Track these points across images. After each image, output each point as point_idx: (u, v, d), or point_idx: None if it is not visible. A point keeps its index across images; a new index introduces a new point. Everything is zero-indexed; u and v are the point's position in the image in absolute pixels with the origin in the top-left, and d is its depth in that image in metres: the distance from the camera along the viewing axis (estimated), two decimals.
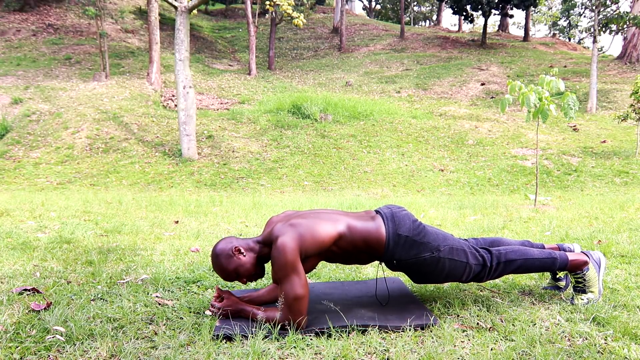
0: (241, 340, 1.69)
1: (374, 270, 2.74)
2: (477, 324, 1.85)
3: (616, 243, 3.15)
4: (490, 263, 1.97)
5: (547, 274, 2.44)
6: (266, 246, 1.90)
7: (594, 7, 15.29)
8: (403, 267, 1.94)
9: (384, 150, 10.86)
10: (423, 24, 43.21)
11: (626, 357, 1.54)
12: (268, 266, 2.72)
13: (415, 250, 1.89)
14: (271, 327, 1.74)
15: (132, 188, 8.56)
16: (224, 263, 1.84)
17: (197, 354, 1.57)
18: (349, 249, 1.87)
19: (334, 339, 1.71)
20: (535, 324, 1.83)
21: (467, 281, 2.00)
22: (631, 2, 17.73)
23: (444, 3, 26.77)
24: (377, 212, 1.99)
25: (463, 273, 1.95)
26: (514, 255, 1.99)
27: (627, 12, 15.51)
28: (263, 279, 2.53)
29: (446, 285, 2.39)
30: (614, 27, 15.13)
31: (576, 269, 2.05)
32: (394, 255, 1.90)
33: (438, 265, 1.91)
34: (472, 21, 22.87)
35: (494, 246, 2.16)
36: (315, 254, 1.82)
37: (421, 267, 1.92)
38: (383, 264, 2.00)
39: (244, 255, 1.86)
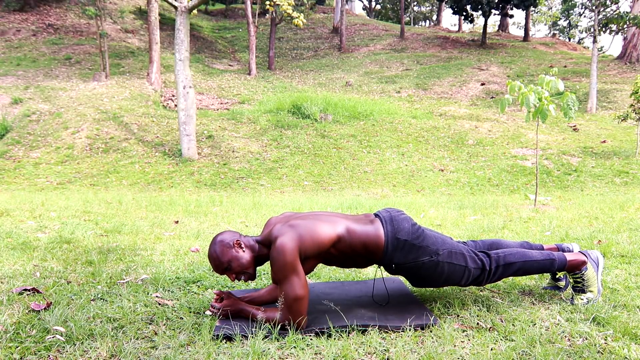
0: (241, 340, 1.69)
1: (374, 270, 2.74)
2: (477, 324, 1.85)
3: (616, 243, 3.15)
4: (489, 267, 1.97)
5: (547, 274, 2.45)
6: (265, 247, 1.90)
7: (594, 7, 15.29)
8: (402, 270, 1.94)
9: (384, 150, 10.86)
10: (423, 24, 43.20)
11: (626, 357, 1.54)
12: (262, 268, 2.72)
13: (414, 254, 1.89)
14: (271, 327, 1.75)
15: (132, 188, 8.56)
16: (220, 251, 1.82)
17: (197, 354, 1.57)
18: (348, 252, 1.87)
19: (334, 339, 1.71)
20: (535, 324, 1.83)
21: (467, 285, 2.01)
22: (631, 2, 17.73)
23: (444, 3, 26.77)
24: (376, 215, 1.99)
25: (462, 277, 1.95)
26: (513, 258, 1.99)
27: (627, 12, 15.50)
28: (263, 279, 2.53)
29: None
30: (614, 27, 15.13)
31: (575, 269, 2.05)
32: (393, 259, 1.90)
33: (437, 269, 1.91)
34: (472, 21, 22.87)
35: (493, 248, 2.16)
36: (314, 255, 1.82)
37: (420, 270, 1.92)
38: (382, 267, 2.01)
39: (243, 251, 1.85)
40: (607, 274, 2.47)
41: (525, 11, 24.03)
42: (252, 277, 1.90)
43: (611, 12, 16.13)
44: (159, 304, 2.05)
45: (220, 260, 1.82)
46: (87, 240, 3.39)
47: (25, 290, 2.16)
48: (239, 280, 1.88)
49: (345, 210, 5.37)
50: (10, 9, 18.55)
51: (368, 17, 34.41)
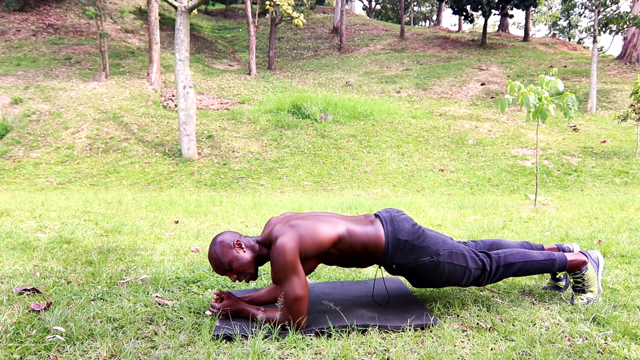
0: (241, 340, 1.69)
1: (374, 270, 2.74)
2: (477, 324, 1.85)
3: (616, 243, 3.15)
4: (489, 267, 1.97)
5: (547, 274, 2.45)
6: (265, 247, 1.90)
7: (594, 7, 15.29)
8: (402, 271, 1.94)
9: (384, 150, 10.86)
10: (423, 24, 43.20)
11: (626, 357, 1.54)
12: (262, 268, 2.72)
13: (414, 254, 1.89)
14: (271, 327, 1.74)
15: (132, 188, 8.56)
16: (221, 252, 1.81)
17: (197, 354, 1.57)
18: (348, 252, 1.87)
19: (334, 339, 1.71)
20: (535, 324, 1.83)
21: (467, 285, 2.01)
22: (631, 2, 17.73)
23: (444, 3, 26.77)
24: (376, 216, 1.99)
25: (462, 277, 1.95)
26: (513, 258, 1.99)
27: (627, 12, 15.50)
28: (263, 279, 2.53)
29: None
30: (614, 27, 15.13)
31: (575, 269, 2.05)
32: (393, 259, 1.89)
33: (437, 270, 1.91)
34: (472, 21, 22.87)
35: (494, 249, 2.16)
36: (314, 255, 1.82)
37: (420, 271, 1.92)
38: (382, 267, 2.01)
39: (244, 251, 1.85)
40: (607, 274, 2.47)
41: (525, 11, 24.03)
42: (254, 277, 1.90)
43: (611, 12, 16.13)
44: (159, 304, 2.05)
45: (221, 260, 1.82)
46: (87, 240, 3.39)
47: (25, 290, 2.16)
48: (240, 281, 1.88)
49: (345, 210, 5.37)
50: (10, 9, 18.55)
51: (368, 17, 34.41)
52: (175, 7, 9.42)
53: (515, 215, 4.83)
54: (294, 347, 1.64)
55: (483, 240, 2.24)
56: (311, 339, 1.70)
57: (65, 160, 9.79)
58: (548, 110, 4.95)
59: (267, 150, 10.74)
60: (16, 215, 4.49)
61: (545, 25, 38.43)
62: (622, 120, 10.65)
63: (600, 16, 15.70)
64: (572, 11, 23.95)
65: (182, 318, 1.90)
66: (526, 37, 24.74)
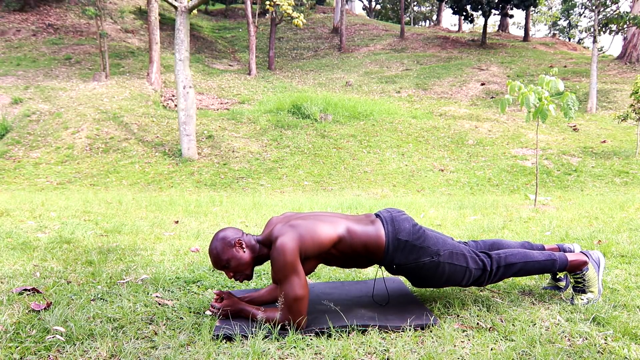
0: (241, 340, 1.69)
1: (374, 270, 2.74)
2: (477, 324, 1.85)
3: (616, 243, 3.15)
4: (490, 267, 1.97)
5: (548, 274, 2.45)
6: (265, 246, 1.90)
7: (594, 7, 15.29)
8: (402, 271, 1.94)
9: (384, 150, 10.86)
10: (423, 24, 43.20)
11: (626, 357, 1.54)
12: (262, 268, 2.72)
13: (415, 254, 1.89)
14: (271, 327, 1.74)
15: (132, 188, 8.56)
16: (221, 249, 1.82)
17: (197, 354, 1.57)
18: (348, 252, 1.87)
19: (334, 339, 1.71)
20: (535, 324, 1.83)
21: (467, 285, 2.01)
22: (631, 2, 17.73)
23: (444, 3, 26.76)
24: (376, 215, 1.99)
25: (463, 277, 1.95)
26: (514, 258, 1.99)
27: (627, 12, 15.50)
28: (262, 279, 2.53)
29: None
30: (614, 27, 15.13)
31: (576, 269, 2.05)
32: (394, 259, 1.89)
33: (438, 270, 1.91)
34: (472, 21, 22.86)
35: (494, 249, 2.16)
36: (314, 255, 1.82)
37: (421, 271, 1.92)
38: (382, 267, 2.01)
39: (244, 251, 1.85)
40: (607, 274, 2.47)
41: (525, 11, 24.03)
42: (249, 277, 1.90)
43: (611, 12, 16.13)
44: (159, 304, 2.05)
45: (220, 257, 1.82)
46: (87, 240, 3.39)
47: (25, 290, 2.16)
48: (235, 280, 1.88)
49: (345, 210, 5.37)
50: (10, 9, 18.55)
51: (368, 17, 34.41)
52: (175, 7, 9.42)
53: (515, 215, 4.82)
54: (294, 347, 1.64)
55: (483, 240, 2.24)
56: (311, 339, 1.70)
57: (65, 160, 9.79)
58: (548, 110, 4.95)
59: (267, 150, 10.74)
60: (16, 215, 4.49)
61: (545, 25, 38.43)
62: (622, 120, 10.65)
63: (600, 16, 15.70)
64: (572, 11, 23.97)
65: (182, 318, 1.90)
66: (526, 37, 24.74)
